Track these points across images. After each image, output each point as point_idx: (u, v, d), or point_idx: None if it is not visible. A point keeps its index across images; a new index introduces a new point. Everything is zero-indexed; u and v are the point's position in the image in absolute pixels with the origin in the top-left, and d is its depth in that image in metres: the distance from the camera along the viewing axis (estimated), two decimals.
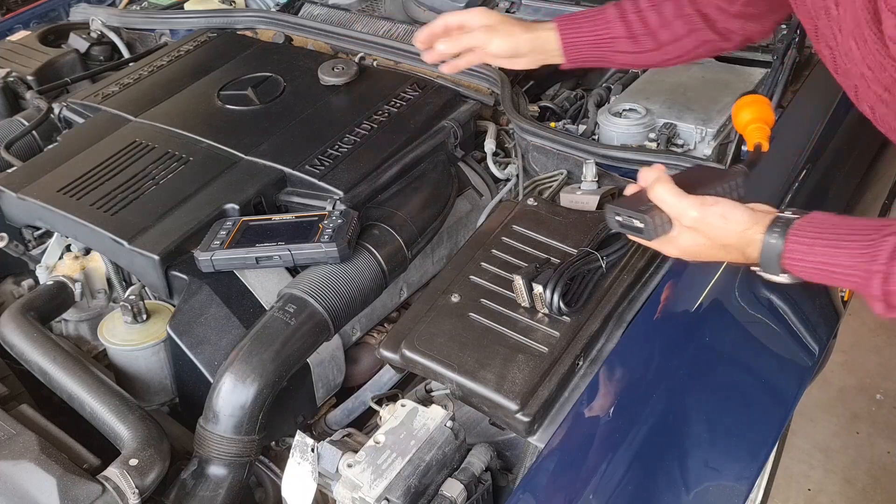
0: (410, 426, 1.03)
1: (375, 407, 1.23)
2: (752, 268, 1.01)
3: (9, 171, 1.48)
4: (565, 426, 1.03)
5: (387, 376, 1.34)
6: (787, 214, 0.98)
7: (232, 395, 1.08)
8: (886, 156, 1.76)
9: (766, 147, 1.13)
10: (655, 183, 1.02)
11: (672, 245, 1.04)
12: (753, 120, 1.15)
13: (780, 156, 1.42)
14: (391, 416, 1.05)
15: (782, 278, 0.99)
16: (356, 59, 1.71)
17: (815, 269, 0.95)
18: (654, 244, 1.06)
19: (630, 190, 1.10)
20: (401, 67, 1.72)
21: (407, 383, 1.34)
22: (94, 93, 1.67)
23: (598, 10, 1.32)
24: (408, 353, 1.10)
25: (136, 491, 0.98)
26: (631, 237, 1.09)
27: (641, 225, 1.03)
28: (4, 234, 1.48)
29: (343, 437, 1.12)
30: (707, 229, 1.00)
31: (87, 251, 1.42)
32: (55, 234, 1.43)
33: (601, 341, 1.12)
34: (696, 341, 1.20)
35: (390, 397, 1.24)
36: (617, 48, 1.30)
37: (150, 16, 2.08)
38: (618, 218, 1.06)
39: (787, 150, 1.43)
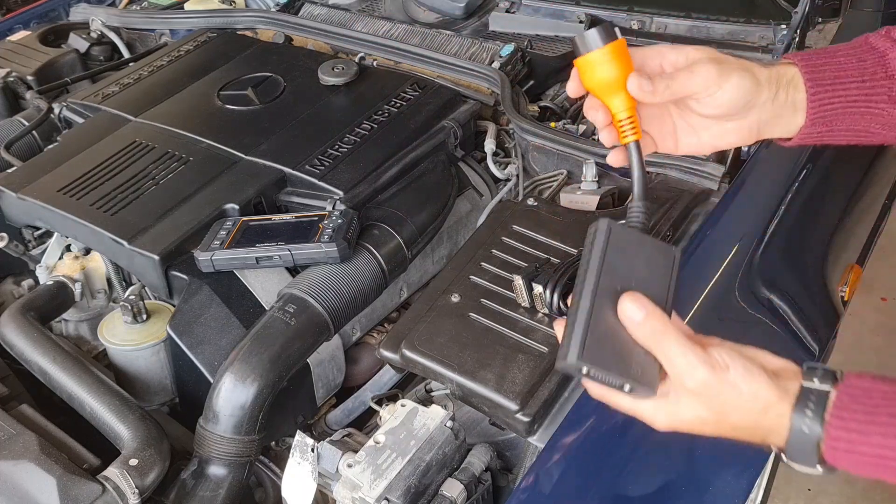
0: (410, 426, 1.03)
1: (375, 407, 1.23)
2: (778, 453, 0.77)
3: (9, 171, 1.48)
4: (565, 426, 1.03)
5: (387, 376, 1.34)
6: (816, 384, 0.73)
7: (232, 395, 1.08)
8: (886, 156, 1.76)
9: (640, 136, 0.86)
10: (661, 335, 0.74)
11: (663, 413, 0.77)
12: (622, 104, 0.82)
13: (781, 156, 1.42)
14: (391, 416, 1.05)
15: (819, 470, 0.75)
16: (356, 59, 1.71)
17: (871, 461, 0.73)
18: (633, 407, 0.78)
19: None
20: (401, 67, 1.72)
21: (407, 383, 1.34)
22: (94, 93, 1.67)
23: (857, 46, 0.91)
24: (408, 353, 1.10)
25: (136, 491, 0.98)
26: (590, 387, 0.77)
27: (629, 388, 0.73)
28: (4, 234, 1.48)
29: (343, 437, 1.12)
30: (713, 400, 0.75)
31: (87, 251, 1.42)
32: (55, 234, 1.43)
33: None
34: None
35: (390, 397, 1.24)
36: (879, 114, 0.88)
37: (150, 16, 2.08)
38: (585, 371, 0.72)
39: (787, 150, 1.43)
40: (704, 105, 0.86)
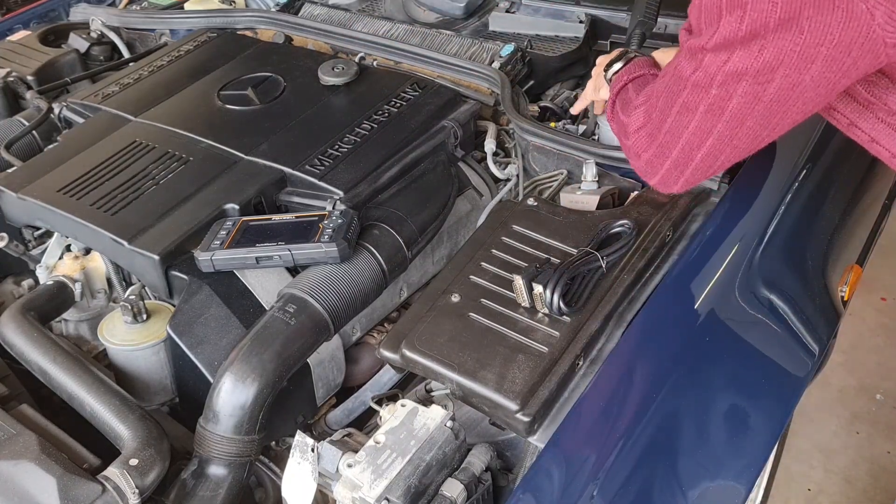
0: (410, 426, 1.03)
1: (375, 407, 1.23)
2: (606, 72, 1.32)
3: (9, 171, 1.48)
4: (565, 426, 1.03)
5: (387, 376, 1.34)
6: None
7: (232, 395, 1.08)
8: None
9: None
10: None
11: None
12: None
13: (781, 156, 1.42)
14: (391, 416, 1.05)
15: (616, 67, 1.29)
16: (356, 59, 1.71)
17: (622, 72, 1.28)
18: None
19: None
20: (401, 67, 1.72)
21: (407, 383, 1.34)
22: (94, 93, 1.67)
23: None
24: (408, 353, 1.10)
25: (136, 491, 0.98)
26: None
27: None
28: (4, 234, 1.48)
29: (343, 437, 1.12)
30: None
31: (87, 251, 1.41)
32: (55, 234, 1.43)
33: (601, 341, 1.12)
34: (696, 341, 1.20)
35: (390, 397, 1.24)
36: None
37: (150, 16, 2.08)
38: None
39: (787, 150, 1.43)
40: None
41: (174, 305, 1.28)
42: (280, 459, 1.22)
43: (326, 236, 1.20)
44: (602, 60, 1.41)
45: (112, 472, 0.99)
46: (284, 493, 1.06)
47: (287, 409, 1.21)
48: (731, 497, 1.15)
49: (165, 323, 1.23)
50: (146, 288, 1.35)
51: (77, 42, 2.01)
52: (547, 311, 1.11)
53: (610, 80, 1.31)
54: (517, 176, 1.52)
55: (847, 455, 2.36)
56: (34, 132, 1.64)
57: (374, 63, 1.74)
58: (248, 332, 1.15)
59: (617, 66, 1.30)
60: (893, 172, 1.79)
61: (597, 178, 1.36)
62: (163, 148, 1.45)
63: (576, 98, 1.72)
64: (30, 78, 1.83)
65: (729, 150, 1.02)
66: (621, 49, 1.35)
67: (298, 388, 1.22)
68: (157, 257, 1.23)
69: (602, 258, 1.15)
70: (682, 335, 1.19)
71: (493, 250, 1.22)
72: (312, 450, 1.03)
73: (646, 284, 1.20)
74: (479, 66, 1.65)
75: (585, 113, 1.62)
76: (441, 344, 1.09)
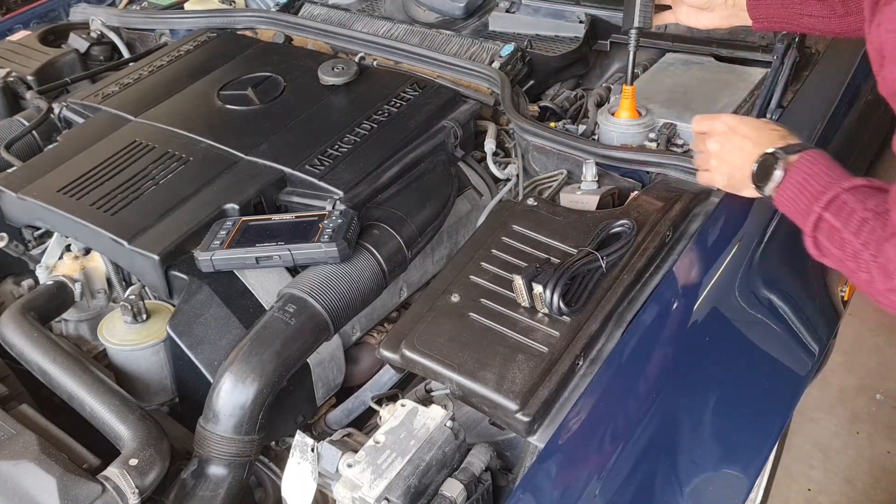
0: (410, 426, 1.03)
1: (375, 407, 1.23)
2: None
3: (9, 171, 1.48)
4: (565, 426, 1.03)
5: (387, 376, 1.34)
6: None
7: (232, 395, 1.08)
8: (887, 156, 1.76)
9: None
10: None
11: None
12: None
13: None
14: (391, 415, 1.05)
15: (776, 177, 1.10)
16: (356, 59, 1.71)
17: (789, 188, 1.09)
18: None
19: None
20: (401, 67, 1.72)
21: (407, 383, 1.34)
22: (94, 93, 1.67)
23: None
24: (408, 353, 1.10)
25: (136, 491, 0.98)
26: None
27: None
28: (4, 234, 1.48)
29: (343, 436, 1.12)
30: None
31: (87, 251, 1.42)
32: (55, 234, 1.43)
33: (601, 341, 1.12)
34: (696, 341, 1.20)
35: (390, 397, 1.24)
36: (805, 10, 1.34)
37: (150, 16, 2.08)
38: None
39: None
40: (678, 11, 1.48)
41: (174, 305, 1.28)
42: (280, 459, 1.22)
43: (326, 236, 1.20)
44: (721, 132, 1.23)
45: (112, 472, 0.99)
46: (284, 493, 1.06)
47: (287, 409, 1.21)
48: (731, 497, 1.15)
49: (165, 323, 1.23)
50: (146, 288, 1.35)
51: (77, 42, 2.01)
52: (547, 311, 1.10)
53: (770, 195, 1.13)
54: (517, 176, 1.52)
55: (847, 455, 2.36)
56: (34, 132, 1.64)
57: (374, 63, 1.74)
58: (248, 332, 1.15)
59: (778, 175, 1.10)
60: (893, 173, 1.79)
61: (597, 178, 1.36)
62: (163, 148, 1.45)
63: (576, 98, 1.73)
64: (30, 78, 1.84)
65: None
66: (766, 153, 1.14)
67: (298, 388, 1.22)
68: (157, 257, 1.23)
69: (602, 258, 1.15)
70: (681, 335, 1.19)
71: (493, 250, 1.22)
72: (312, 450, 1.03)
73: (646, 284, 1.20)
74: (479, 66, 1.65)
75: (585, 113, 1.62)
76: (441, 344, 1.09)
